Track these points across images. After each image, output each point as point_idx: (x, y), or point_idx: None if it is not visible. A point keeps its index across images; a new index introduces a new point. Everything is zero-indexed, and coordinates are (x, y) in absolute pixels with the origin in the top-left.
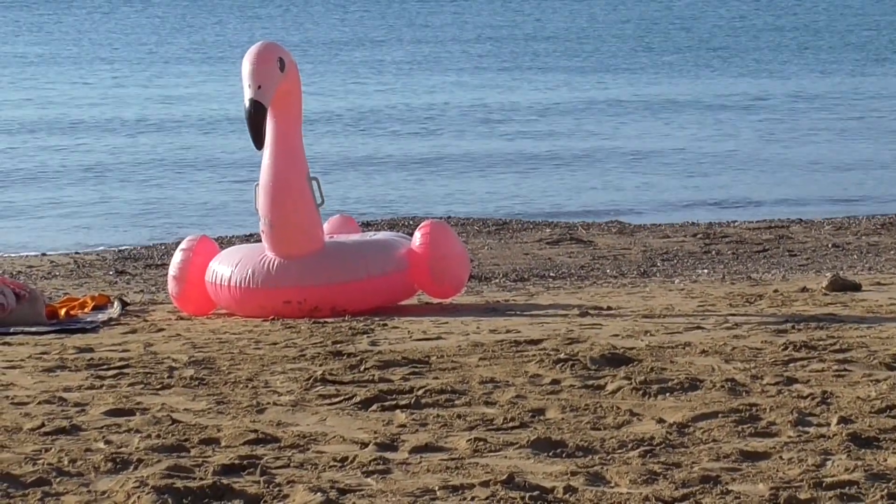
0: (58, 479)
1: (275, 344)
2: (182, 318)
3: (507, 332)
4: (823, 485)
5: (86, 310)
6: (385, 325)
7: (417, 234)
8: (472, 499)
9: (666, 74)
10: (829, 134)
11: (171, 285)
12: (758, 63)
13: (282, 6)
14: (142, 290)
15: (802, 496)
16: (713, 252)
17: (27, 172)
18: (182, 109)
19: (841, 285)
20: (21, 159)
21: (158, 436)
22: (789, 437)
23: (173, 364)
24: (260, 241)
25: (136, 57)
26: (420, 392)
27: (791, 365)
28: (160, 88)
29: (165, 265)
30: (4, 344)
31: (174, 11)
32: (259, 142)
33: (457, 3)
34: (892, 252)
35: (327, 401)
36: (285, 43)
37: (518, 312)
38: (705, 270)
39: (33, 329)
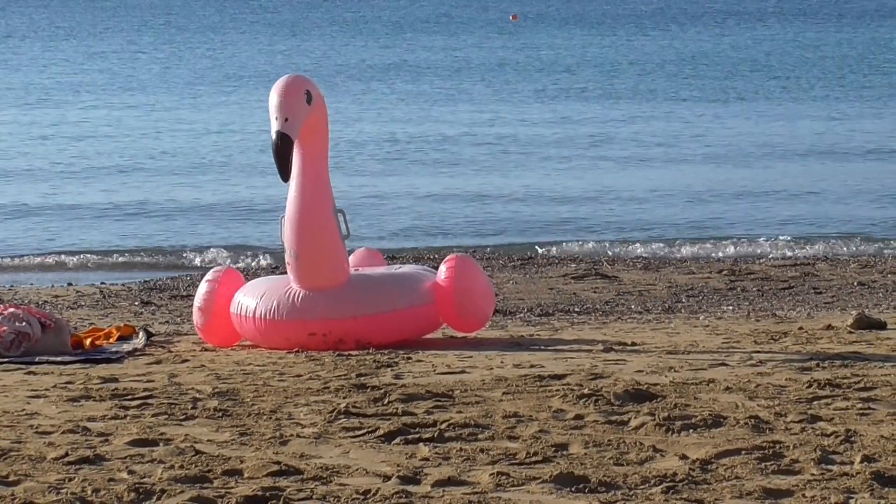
0: None
1: (299, 376)
2: (206, 350)
3: (531, 366)
4: None
5: (111, 340)
6: (409, 358)
7: (442, 268)
8: None
9: (695, 105)
10: (864, 166)
11: (196, 316)
12: (790, 93)
13: (317, 33)
14: (167, 321)
15: None
16: (738, 289)
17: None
18: (210, 138)
19: (866, 323)
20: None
21: (182, 466)
22: (812, 475)
23: (197, 395)
24: (285, 272)
25: (166, 84)
26: (443, 426)
27: (815, 403)
28: (189, 116)
29: (191, 296)
30: (29, 373)
31: (205, 38)
32: (285, 174)
33: (479, 34)
34: None
35: (350, 433)
36: (311, 73)
37: (542, 347)
38: (730, 307)
39: (58, 358)
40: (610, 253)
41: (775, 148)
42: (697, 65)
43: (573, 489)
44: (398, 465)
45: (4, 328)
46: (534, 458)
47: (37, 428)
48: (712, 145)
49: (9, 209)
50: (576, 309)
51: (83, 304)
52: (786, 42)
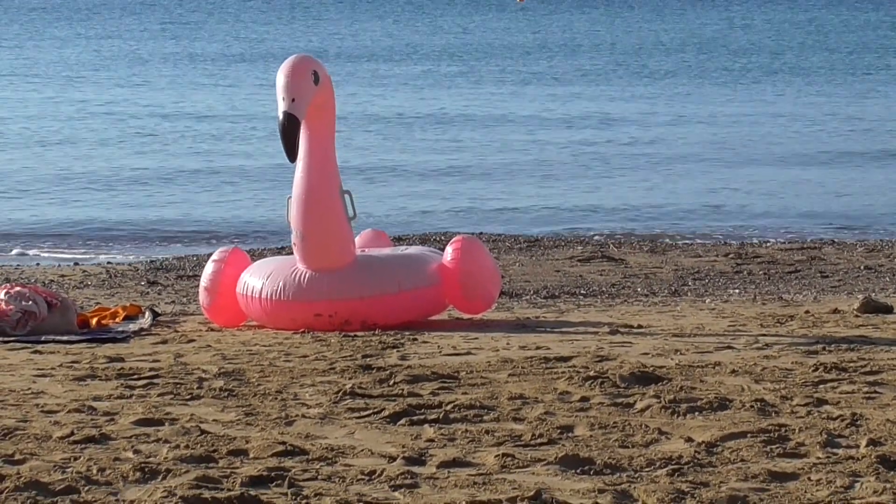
0: (86, 488)
1: (305, 357)
2: (212, 330)
3: (537, 348)
4: None
5: (117, 319)
6: (415, 339)
7: (449, 249)
8: None
9: (705, 89)
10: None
11: (203, 296)
12: (800, 80)
13: (332, 15)
14: (173, 301)
15: None
16: (745, 272)
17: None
18: (215, 118)
19: (873, 307)
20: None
21: (187, 446)
22: (818, 458)
23: (203, 375)
24: (292, 253)
25: (172, 62)
26: (449, 407)
27: (821, 386)
28: (193, 96)
29: (197, 276)
30: (35, 352)
31: (217, 17)
32: (292, 154)
33: (491, 15)
34: None
35: (356, 414)
36: (321, 54)
37: (548, 329)
38: (736, 290)
39: (64, 338)
40: (617, 235)
41: (783, 134)
42: (707, 47)
43: (578, 471)
44: (403, 446)
45: (11, 307)
46: (539, 440)
47: (42, 407)
48: (720, 129)
49: (17, 189)
50: (582, 291)
51: (89, 283)
52: (794, 24)
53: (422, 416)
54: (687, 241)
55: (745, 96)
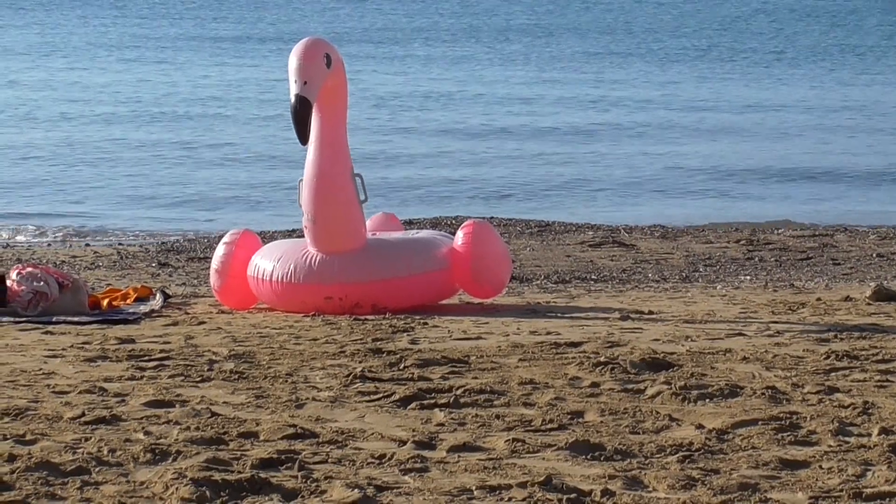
0: (97, 469)
1: (315, 340)
2: (223, 312)
3: (548, 333)
4: (863, 495)
5: (128, 301)
6: (425, 323)
7: (460, 234)
8: (509, 499)
9: (719, 77)
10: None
11: (213, 279)
12: (808, 69)
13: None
14: (184, 283)
15: None
16: (756, 259)
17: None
18: (227, 100)
19: (885, 295)
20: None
21: (197, 428)
22: (829, 446)
23: (213, 357)
24: (303, 236)
25: (182, 44)
26: (459, 391)
27: (833, 374)
28: (205, 77)
29: (208, 258)
30: (46, 333)
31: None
32: (304, 137)
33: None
34: None
35: (366, 398)
36: (333, 36)
37: (559, 314)
38: (748, 277)
39: (75, 319)
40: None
41: (793, 120)
42: (712, 30)
43: (588, 457)
44: (413, 430)
45: (22, 287)
46: (549, 426)
47: (54, 388)
48: (733, 114)
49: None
50: (593, 276)
51: (101, 264)
52: (792, 9)
53: (432, 401)
54: (698, 227)
55: (756, 81)
